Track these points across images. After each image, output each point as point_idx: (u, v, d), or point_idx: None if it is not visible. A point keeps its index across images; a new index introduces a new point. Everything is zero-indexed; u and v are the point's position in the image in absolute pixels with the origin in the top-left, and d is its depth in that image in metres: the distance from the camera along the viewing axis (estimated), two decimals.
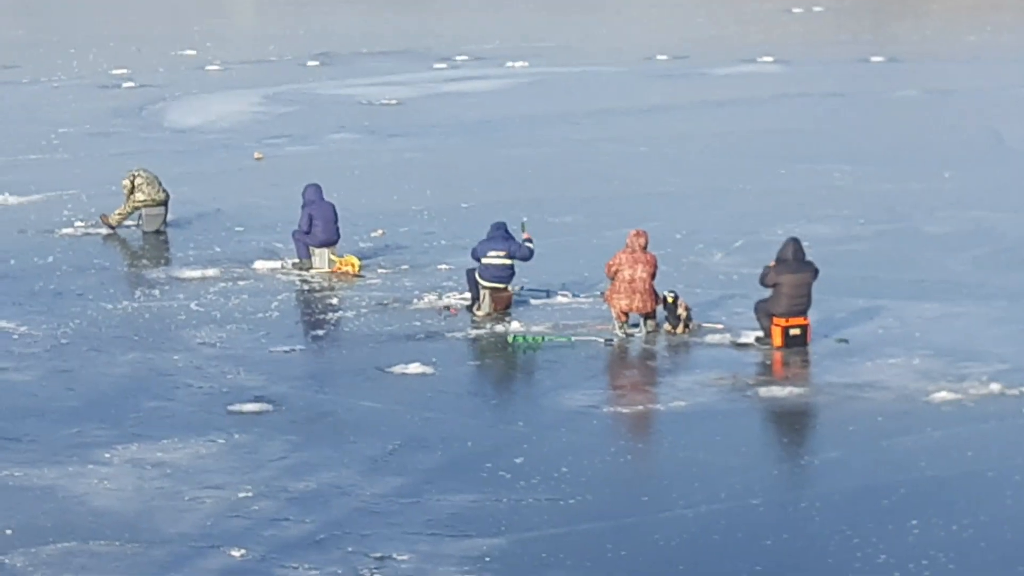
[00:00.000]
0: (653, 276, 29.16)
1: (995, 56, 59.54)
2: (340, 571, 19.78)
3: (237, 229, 35.93)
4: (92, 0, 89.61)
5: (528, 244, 32.42)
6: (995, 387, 26.21)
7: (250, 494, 22.85)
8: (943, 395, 26.07)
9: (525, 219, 33.01)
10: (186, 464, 23.89)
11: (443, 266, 32.50)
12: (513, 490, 22.15)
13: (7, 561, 19.83)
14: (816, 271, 28.47)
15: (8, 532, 20.88)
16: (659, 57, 59.87)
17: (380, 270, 33.16)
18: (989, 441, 24.57)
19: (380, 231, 35.12)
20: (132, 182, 37.32)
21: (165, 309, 32.08)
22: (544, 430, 25.53)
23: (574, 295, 31.24)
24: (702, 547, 20.86)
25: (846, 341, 28.79)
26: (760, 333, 28.70)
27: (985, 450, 24.31)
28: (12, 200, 38.55)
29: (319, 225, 33.87)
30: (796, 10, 72.64)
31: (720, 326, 29.72)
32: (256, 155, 44.44)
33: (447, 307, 31.22)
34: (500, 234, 30.87)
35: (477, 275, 30.71)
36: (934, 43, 66.48)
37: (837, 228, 32.62)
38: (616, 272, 29.03)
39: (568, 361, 28.76)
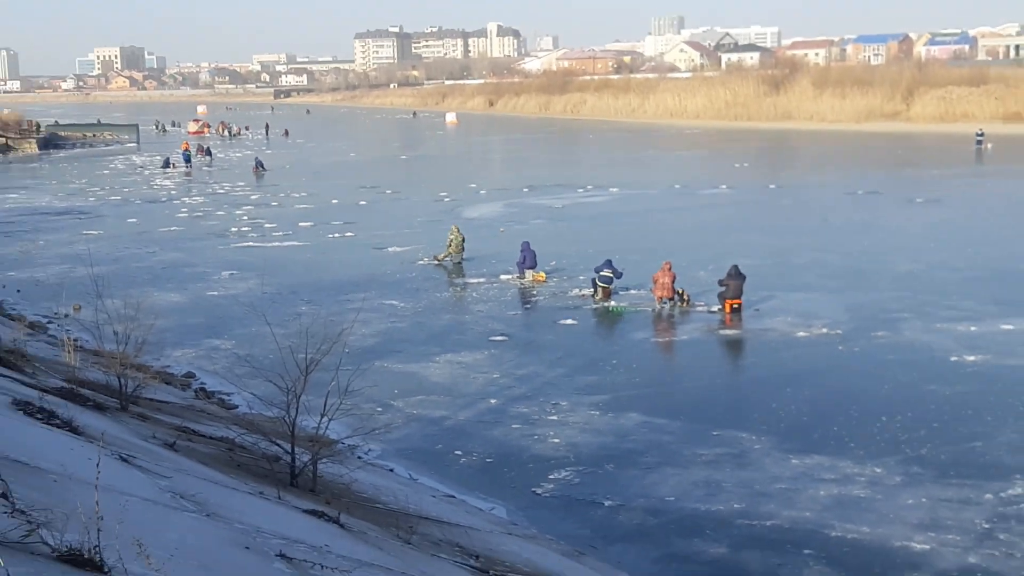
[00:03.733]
0: (673, 281, 29.67)
1: (831, 184, 58.80)
2: (536, 408, 21.67)
3: (492, 261, 36.52)
4: (429, 161, 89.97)
5: (616, 269, 31.84)
6: (824, 329, 26.93)
7: (496, 375, 24.69)
8: (801, 332, 27.36)
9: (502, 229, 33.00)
10: (470, 363, 25.76)
11: (581, 277, 32.82)
12: (609, 374, 24.42)
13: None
14: (744, 279, 28.94)
15: (395, 391, 22.70)
16: (675, 185, 59.23)
17: (554, 279, 33.54)
18: (818, 351, 25.60)
19: (553, 262, 35.43)
20: (450, 242, 38.07)
21: (462, 296, 33.02)
22: (626, 350, 27.10)
23: (637, 291, 31.51)
24: (702, 402, 22.48)
25: (758, 310, 29.19)
26: (720, 307, 28.92)
27: (816, 355, 25.59)
28: (397, 248, 39.07)
29: (528, 259, 34.32)
30: (736, 165, 71.44)
31: (702, 304, 30.22)
32: (500, 230, 44.73)
33: (583, 295, 31.66)
34: (608, 263, 31.23)
35: (596, 280, 31.15)
36: (801, 178, 65.39)
37: (753, 260, 32.63)
38: (656, 279, 29.61)
39: (635, 319, 29.96)
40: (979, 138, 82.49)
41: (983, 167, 68.79)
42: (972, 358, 24.23)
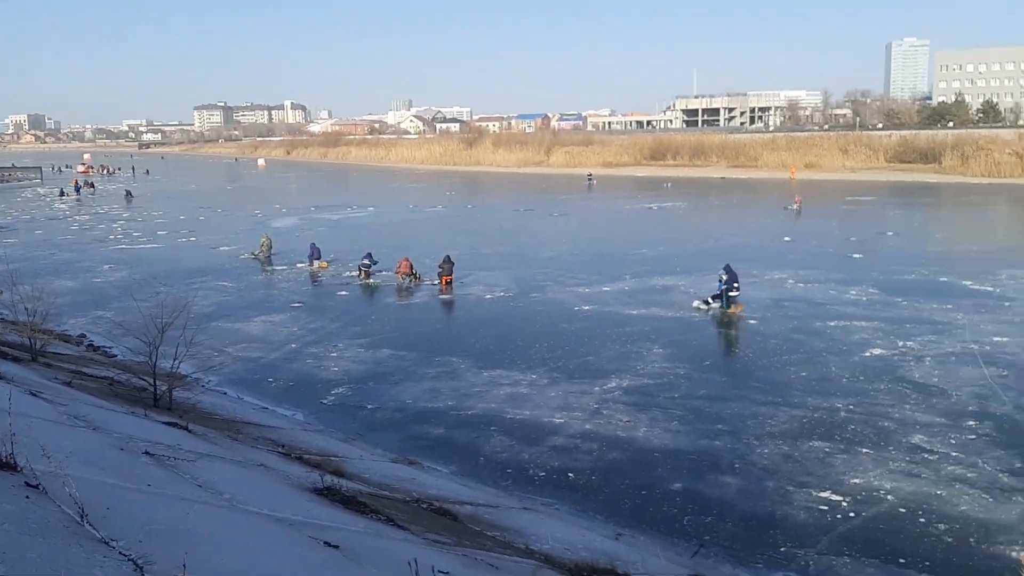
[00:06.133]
0: (410, 265, 29.27)
1: (504, 205, 58.51)
2: (322, 349, 21.64)
3: (291, 255, 34.62)
4: (247, 190, 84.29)
5: (373, 258, 30.65)
6: (502, 293, 26.92)
7: (295, 329, 24.13)
8: (488, 295, 27.19)
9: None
10: (278, 321, 24.90)
11: (351, 264, 31.28)
12: (370, 325, 23.46)
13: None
14: (453, 263, 28.92)
15: (226, 341, 21.08)
16: (410, 205, 57.61)
17: (333, 266, 31.74)
18: (498, 306, 25.18)
19: (332, 255, 34.02)
20: (262, 242, 36.07)
21: (271, 278, 31.40)
22: (380, 309, 26.57)
23: (387, 272, 30.68)
24: (428, 339, 21.12)
25: (462, 282, 28.83)
26: (438, 281, 28.67)
27: (497, 308, 25.13)
28: (226, 248, 36.76)
29: (314, 253, 32.83)
30: (447, 193, 70.92)
31: (428, 279, 29.32)
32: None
33: (352, 276, 30.43)
34: (369, 255, 29.88)
35: (360, 266, 29.58)
36: (485, 200, 65.08)
37: (458, 251, 32.35)
38: (399, 264, 29.18)
39: (385, 289, 28.94)
40: (589, 178, 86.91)
41: (591, 194, 72.11)
42: (587, 307, 24.82)
